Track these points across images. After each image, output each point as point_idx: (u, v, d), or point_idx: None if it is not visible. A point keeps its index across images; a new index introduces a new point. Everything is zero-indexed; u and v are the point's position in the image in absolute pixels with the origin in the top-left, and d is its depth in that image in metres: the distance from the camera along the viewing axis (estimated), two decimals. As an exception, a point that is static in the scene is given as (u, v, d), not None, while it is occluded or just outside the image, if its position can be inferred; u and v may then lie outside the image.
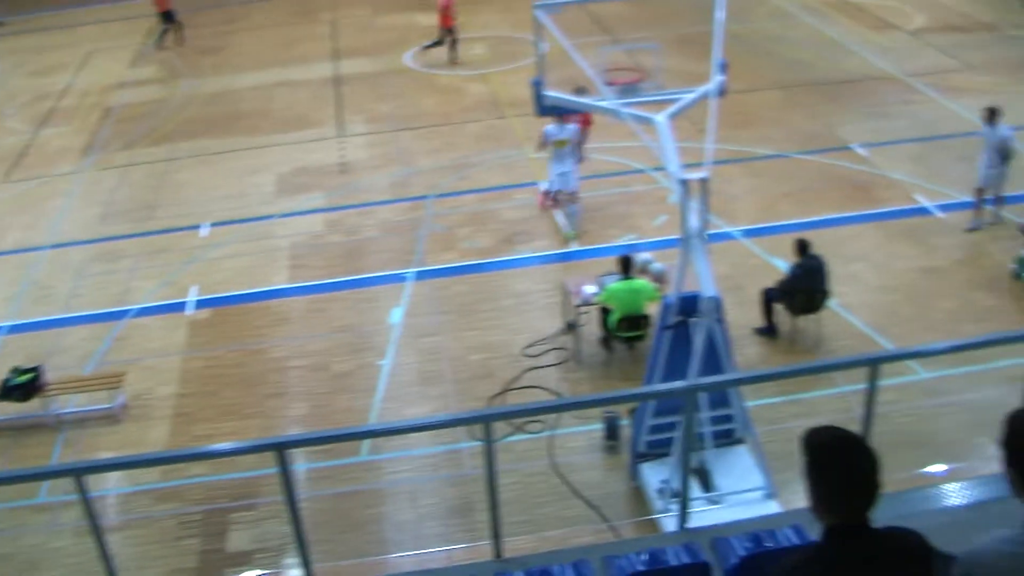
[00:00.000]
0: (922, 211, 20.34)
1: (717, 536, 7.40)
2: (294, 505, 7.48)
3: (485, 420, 7.48)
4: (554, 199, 20.15)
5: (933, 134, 23.72)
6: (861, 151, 22.93)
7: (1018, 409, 4.48)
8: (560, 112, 15.45)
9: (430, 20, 34.39)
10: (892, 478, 12.75)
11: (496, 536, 8.05)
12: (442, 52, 30.84)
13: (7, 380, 15.84)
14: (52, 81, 32.33)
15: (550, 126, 19.41)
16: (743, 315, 16.93)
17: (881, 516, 5.94)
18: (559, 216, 20.32)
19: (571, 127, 19.65)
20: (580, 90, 16.48)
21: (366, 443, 14.74)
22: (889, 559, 4.37)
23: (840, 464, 4.37)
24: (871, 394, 8.40)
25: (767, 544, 6.91)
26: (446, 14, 30.52)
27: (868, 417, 8.48)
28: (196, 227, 21.57)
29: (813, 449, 4.42)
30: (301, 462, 14.25)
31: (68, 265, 20.63)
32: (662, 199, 21.02)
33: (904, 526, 4.68)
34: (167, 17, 34.52)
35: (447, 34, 30.72)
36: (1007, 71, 27.38)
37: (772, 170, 22.19)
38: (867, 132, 23.96)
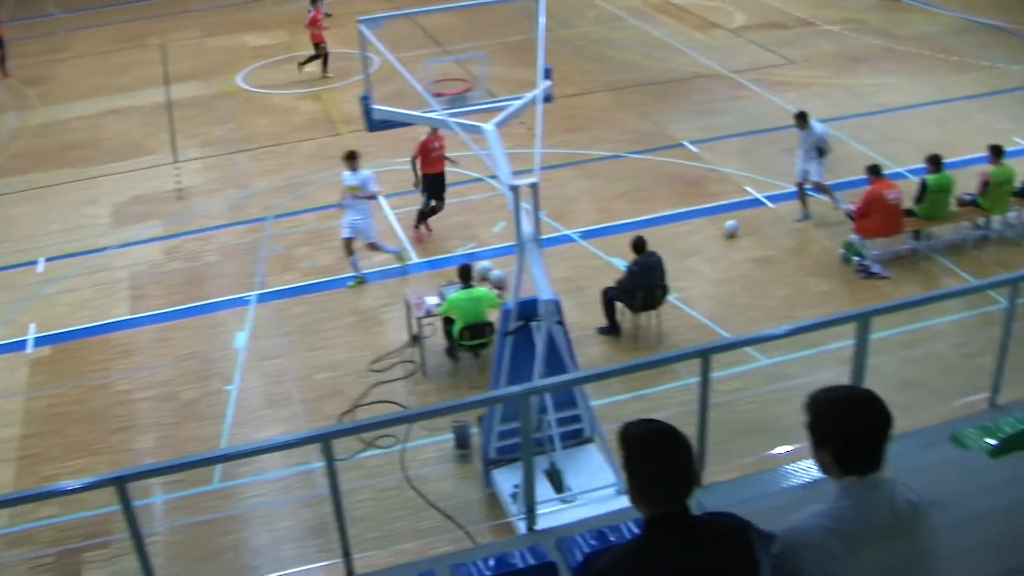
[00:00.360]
0: (754, 203, 20.92)
1: (563, 536, 7.54)
2: (140, 540, 7.40)
3: (324, 439, 7.48)
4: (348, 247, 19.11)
5: (760, 128, 24.39)
6: (692, 148, 23.46)
7: (819, 391, 4.70)
8: (391, 126, 15.46)
9: (259, 40, 34.24)
10: (738, 463, 13.17)
11: (347, 554, 8.06)
12: (315, 67, 30.60)
13: None
14: None
15: (345, 171, 18.96)
16: (585, 316, 17.20)
17: (727, 501, 6.14)
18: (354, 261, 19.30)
19: (365, 173, 18.79)
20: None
21: (218, 470, 14.58)
22: (710, 544, 4.50)
23: (653, 454, 4.46)
24: (705, 384, 8.62)
25: (611, 539, 7.06)
26: (315, 29, 30.53)
27: (703, 406, 8.71)
28: (32, 263, 21.06)
29: (627, 442, 4.53)
30: (157, 494, 14.08)
31: None
32: (499, 206, 21.16)
33: (725, 511, 4.83)
34: None
35: (319, 49, 30.69)
36: (824, 64, 28.33)
37: (607, 171, 22.55)
38: (697, 129, 24.54)
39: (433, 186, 19.97)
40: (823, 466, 4.66)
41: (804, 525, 4.62)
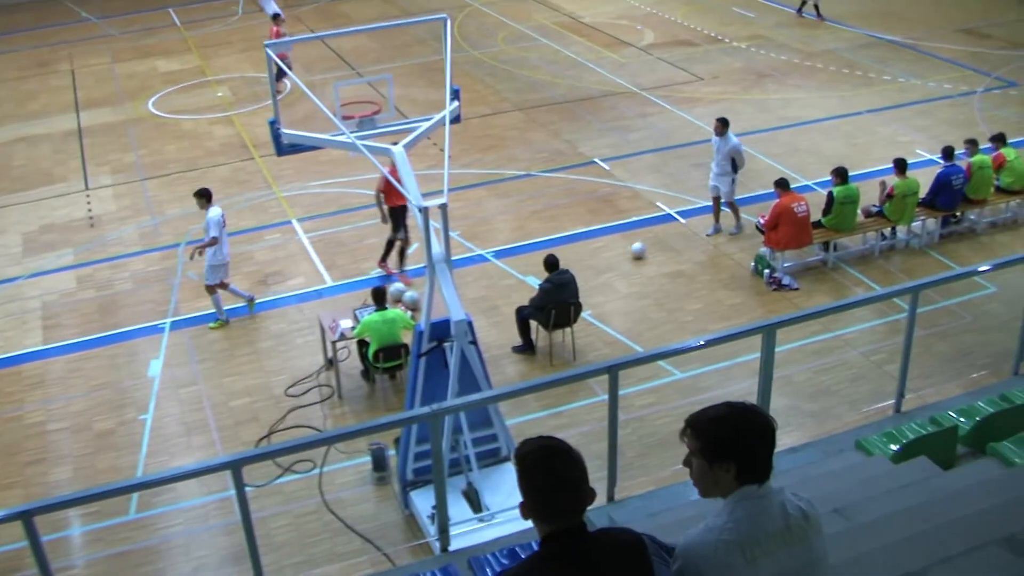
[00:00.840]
0: (665, 218, 21.16)
1: (475, 555, 7.62)
2: (47, 573, 7.36)
3: (235, 465, 7.49)
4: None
5: (670, 144, 24.69)
6: (604, 165, 23.68)
7: (696, 415, 4.83)
8: (301, 150, 15.45)
9: (170, 65, 34.00)
10: (653, 477, 13.31)
11: (262, 580, 8.07)
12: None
13: None
14: None
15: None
16: (501, 335, 17.31)
17: (638, 515, 6.24)
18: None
19: (210, 215, 18.18)
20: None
21: (134, 501, 14.45)
22: (605, 559, 4.59)
23: (545, 472, 4.57)
24: (613, 400, 8.75)
25: (523, 557, 7.13)
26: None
27: (613, 421, 8.83)
28: (-63, 295, 20.76)
29: (520, 460, 4.62)
30: (73, 527, 13.94)
31: None
32: (412, 227, 21.20)
33: (622, 526, 4.94)
34: None
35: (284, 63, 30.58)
36: (732, 80, 28.74)
37: (520, 190, 22.69)
38: (608, 146, 24.78)
39: (397, 218, 19.42)
40: (717, 483, 4.78)
41: (701, 539, 4.75)
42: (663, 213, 21.32)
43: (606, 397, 15.23)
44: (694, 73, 29.50)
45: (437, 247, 12.29)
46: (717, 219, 20.56)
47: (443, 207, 12.01)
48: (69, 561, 13.44)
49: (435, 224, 12.74)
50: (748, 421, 4.74)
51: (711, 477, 4.77)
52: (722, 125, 20.16)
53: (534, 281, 18.48)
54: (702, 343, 10.34)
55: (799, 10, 34.94)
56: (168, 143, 27.48)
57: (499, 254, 19.97)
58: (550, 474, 4.56)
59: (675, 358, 16.10)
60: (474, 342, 12.63)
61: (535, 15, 36.58)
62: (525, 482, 4.59)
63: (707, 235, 20.42)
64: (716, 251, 19.82)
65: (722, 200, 20.33)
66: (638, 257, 19.46)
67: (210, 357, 17.73)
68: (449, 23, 14.80)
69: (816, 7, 34.63)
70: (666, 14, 35.59)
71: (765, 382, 9.29)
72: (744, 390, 15.54)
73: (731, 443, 4.72)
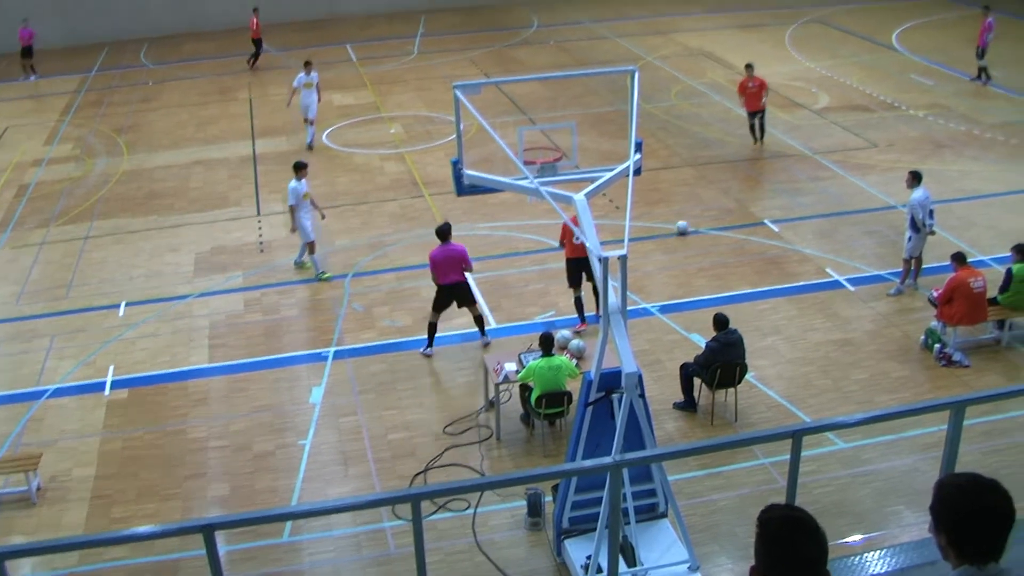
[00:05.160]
0: (834, 284, 20.78)
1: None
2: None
3: (411, 500, 7.49)
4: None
5: (842, 209, 24.29)
6: (773, 227, 23.39)
7: (947, 476, 4.67)
8: (479, 192, 15.54)
9: (346, 99, 34.76)
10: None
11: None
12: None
13: (-81, 464, 15.60)
14: (-36, 158, 31.99)
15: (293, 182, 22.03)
16: (662, 390, 17.17)
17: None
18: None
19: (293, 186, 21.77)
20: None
21: (288, 523, 14.67)
22: None
23: (788, 543, 4.46)
24: (795, 466, 8.55)
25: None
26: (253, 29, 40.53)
27: (792, 489, 8.63)
28: (113, 306, 21.38)
29: (764, 524, 4.49)
30: (221, 544, 14.13)
31: (-19, 346, 20.36)
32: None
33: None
34: None
35: (257, 45, 40.69)
36: (908, 148, 28.19)
37: (688, 246, 22.53)
38: (778, 208, 24.48)
39: (573, 271, 19.13)
40: (941, 550, 4.64)
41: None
42: (832, 279, 20.96)
43: (765, 461, 15.22)
44: (869, 139, 29.04)
45: (613, 298, 12.22)
46: (903, 279, 20.24)
47: (623, 258, 11.94)
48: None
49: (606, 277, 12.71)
50: (966, 495, 4.56)
51: (936, 540, 4.61)
52: (911, 178, 19.90)
53: (698, 338, 18.35)
54: (891, 413, 10.03)
55: (976, 78, 34.24)
56: (340, 175, 28.01)
57: (664, 309, 19.84)
58: (791, 547, 4.43)
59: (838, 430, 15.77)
60: (643, 395, 12.52)
61: (709, 72, 36.46)
62: (763, 549, 4.47)
63: (888, 294, 20.10)
64: (885, 321, 19.39)
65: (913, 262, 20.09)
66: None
67: (371, 389, 17.91)
68: (637, 75, 14.79)
69: (984, 71, 33.93)
70: (842, 78, 35.13)
71: (949, 460, 8.98)
72: (908, 466, 15.21)
73: (944, 513, 4.57)
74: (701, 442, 14.99)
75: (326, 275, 22.00)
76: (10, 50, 41.94)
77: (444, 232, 18.63)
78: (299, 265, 22.68)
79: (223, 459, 16.39)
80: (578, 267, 18.76)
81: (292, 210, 21.83)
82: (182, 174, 28.91)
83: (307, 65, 30.27)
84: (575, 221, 13.83)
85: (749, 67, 28.51)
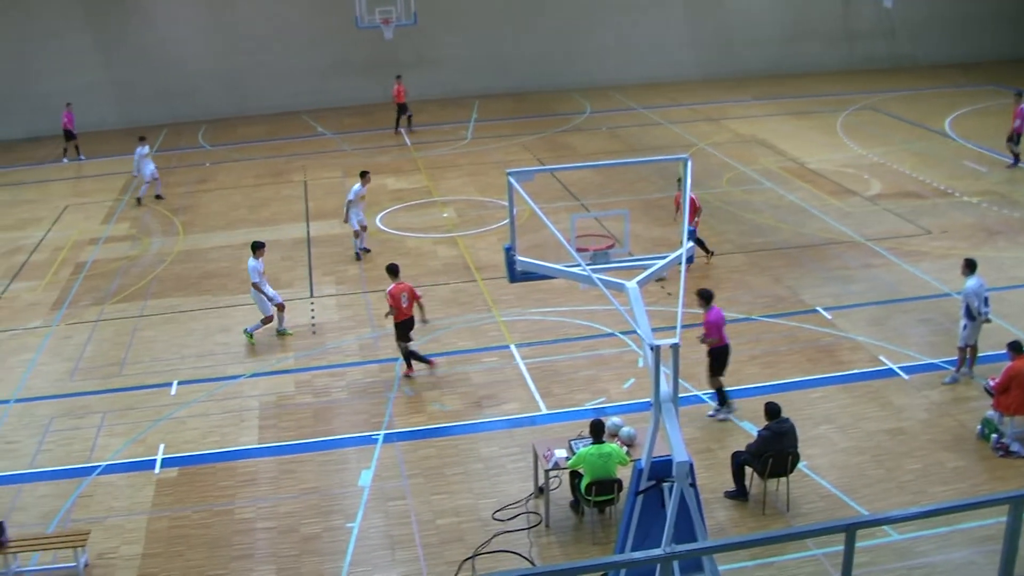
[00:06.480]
0: (887, 373, 20.60)
1: None
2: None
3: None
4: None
5: (895, 297, 24.13)
6: (825, 314, 23.25)
7: None
8: (531, 278, 15.56)
9: (399, 183, 35.08)
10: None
11: None
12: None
13: (-32, 537, 15.69)
14: (24, 235, 32.44)
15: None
16: (713, 478, 17.03)
17: None
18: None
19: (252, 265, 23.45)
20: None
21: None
22: None
23: None
24: (848, 561, 8.43)
25: None
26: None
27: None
28: (164, 385, 21.53)
29: None
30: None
31: (34, 420, 20.49)
32: (631, 363, 21.19)
33: None
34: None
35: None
36: (961, 235, 28.02)
37: (739, 333, 22.39)
38: (830, 295, 24.35)
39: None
40: None
41: None
42: (885, 367, 20.78)
43: (818, 552, 15.02)
44: (921, 226, 28.91)
45: (665, 386, 12.18)
46: (958, 368, 20.07)
47: (675, 347, 11.92)
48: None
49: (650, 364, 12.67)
50: None
51: None
52: (965, 266, 19.81)
53: (750, 427, 18.21)
54: (951, 507, 9.86)
55: (1012, 164, 34.19)
56: (393, 258, 28.09)
57: (715, 396, 19.71)
58: None
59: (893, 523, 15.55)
60: (694, 484, 12.43)
61: (761, 158, 36.53)
62: None
63: (943, 383, 19.93)
64: (940, 410, 19.17)
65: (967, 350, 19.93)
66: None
67: (420, 473, 17.87)
68: (690, 164, 14.85)
69: (1015, 154, 33.89)
70: (894, 164, 35.07)
71: (1008, 557, 8.82)
72: (964, 559, 14.99)
73: None
74: (752, 535, 14.82)
75: (287, 332, 23.83)
76: (80, 131, 42.80)
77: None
78: (282, 333, 23.88)
79: (270, 541, 16.37)
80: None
81: (256, 287, 23.27)
82: (234, 255, 29.19)
83: (364, 176, 28.92)
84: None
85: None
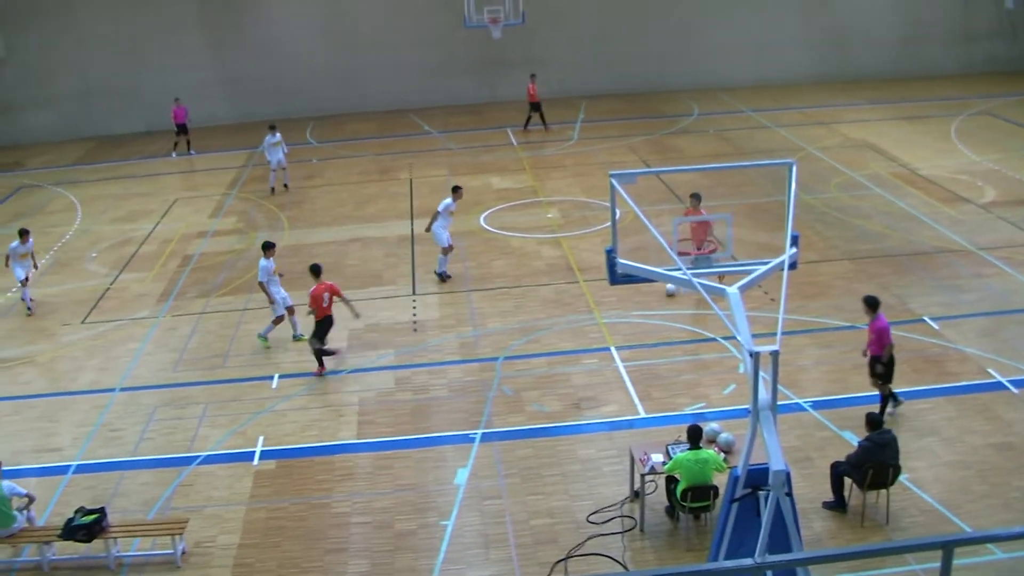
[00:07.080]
0: (996, 386, 20.12)
1: None
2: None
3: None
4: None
5: (1007, 308, 23.56)
6: (933, 324, 22.78)
7: None
8: (632, 281, 15.41)
9: (504, 183, 35.11)
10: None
11: None
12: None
13: (71, 520, 15.99)
14: (135, 227, 33.14)
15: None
16: (811, 488, 16.77)
17: None
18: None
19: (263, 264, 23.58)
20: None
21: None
22: None
23: None
24: (944, 579, 8.20)
25: None
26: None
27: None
28: (266, 378, 21.80)
29: None
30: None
31: (138, 409, 20.91)
32: (732, 368, 20.97)
33: None
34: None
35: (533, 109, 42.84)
36: (1081, 247, 27.32)
37: (843, 341, 22.06)
38: (938, 305, 23.85)
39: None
40: None
41: None
42: (994, 380, 20.29)
43: (917, 567, 14.71)
44: (1037, 236, 28.24)
45: (764, 393, 12.00)
46: None
47: (775, 354, 11.74)
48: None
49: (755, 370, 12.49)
50: None
51: None
52: None
53: (851, 436, 17.90)
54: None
55: None
56: (496, 258, 28.21)
57: (816, 405, 19.42)
58: None
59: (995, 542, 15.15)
60: (790, 494, 12.23)
61: (871, 164, 35.90)
62: None
63: None
64: (1050, 427, 18.71)
65: None
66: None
67: (516, 473, 17.85)
68: (795, 168, 14.60)
69: None
70: (1010, 171, 34.22)
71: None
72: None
73: None
74: (849, 548, 14.55)
75: (302, 337, 23.52)
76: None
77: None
78: (298, 339, 23.85)
79: (364, 535, 16.49)
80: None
81: (263, 286, 23.47)
82: (339, 250, 29.47)
83: (456, 191, 27.04)
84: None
85: (695, 197, 24.69)
